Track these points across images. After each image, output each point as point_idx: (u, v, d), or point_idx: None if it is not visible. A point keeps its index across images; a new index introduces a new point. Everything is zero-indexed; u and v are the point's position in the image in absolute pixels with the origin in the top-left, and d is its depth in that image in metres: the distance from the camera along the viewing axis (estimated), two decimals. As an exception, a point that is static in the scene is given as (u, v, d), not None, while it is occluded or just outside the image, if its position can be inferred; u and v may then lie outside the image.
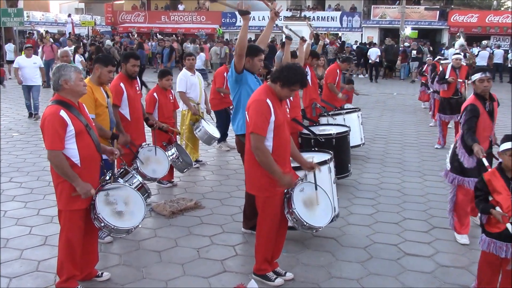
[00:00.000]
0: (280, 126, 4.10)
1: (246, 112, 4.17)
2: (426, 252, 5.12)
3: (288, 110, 4.46)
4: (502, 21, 31.60)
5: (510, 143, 3.73)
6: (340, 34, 34.22)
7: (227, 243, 5.25)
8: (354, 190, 7.12)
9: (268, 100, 4.04)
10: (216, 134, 8.07)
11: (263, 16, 34.96)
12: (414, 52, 23.99)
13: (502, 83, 23.72)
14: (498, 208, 3.69)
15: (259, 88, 4.30)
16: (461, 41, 18.84)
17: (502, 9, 38.43)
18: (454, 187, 5.50)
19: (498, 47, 26.25)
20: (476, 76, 5.28)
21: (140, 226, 4.34)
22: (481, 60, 22.57)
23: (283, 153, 4.19)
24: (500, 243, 3.77)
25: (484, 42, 27.46)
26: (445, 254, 5.08)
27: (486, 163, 4.53)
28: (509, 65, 24.66)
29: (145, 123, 6.37)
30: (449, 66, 9.85)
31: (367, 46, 26.23)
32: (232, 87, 5.44)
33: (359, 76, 24.91)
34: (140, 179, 5.19)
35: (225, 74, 8.86)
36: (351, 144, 8.05)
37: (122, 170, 5.17)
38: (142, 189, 5.14)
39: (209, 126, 7.97)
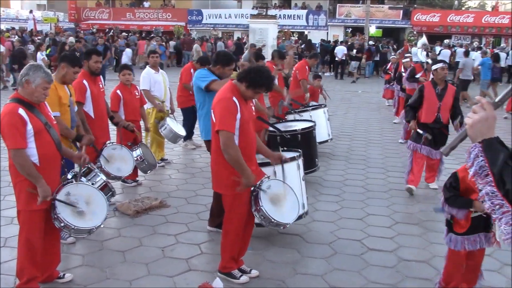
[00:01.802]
0: (245, 124, 4.10)
1: (212, 111, 4.16)
2: (389, 247, 5.21)
3: (253, 108, 4.47)
4: (463, 20, 32.45)
5: None
6: (306, 33, 34.48)
7: (192, 241, 5.22)
8: (319, 187, 7.18)
9: (234, 98, 4.04)
10: (182, 132, 8.01)
11: (229, 14, 35.00)
12: (354, 51, 24.12)
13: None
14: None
15: (224, 86, 4.29)
16: (423, 40, 19.26)
17: (463, 8, 39.39)
18: (411, 151, 6.95)
19: (461, 45, 26.87)
20: (439, 65, 6.84)
21: (102, 226, 4.28)
22: (444, 58, 23.06)
23: (249, 151, 4.21)
24: (473, 237, 3.82)
25: (446, 41, 28.15)
26: (407, 248, 5.18)
27: (420, 131, 6.72)
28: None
29: (110, 121, 6.29)
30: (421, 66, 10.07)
31: (331, 44, 26.54)
32: (198, 95, 5.47)
33: (325, 74, 25.12)
34: (104, 177, 5.11)
35: (191, 70, 8.82)
36: (319, 140, 8.15)
37: (85, 168, 5.08)
38: (106, 188, 5.07)
39: (175, 124, 7.91)
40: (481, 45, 26.83)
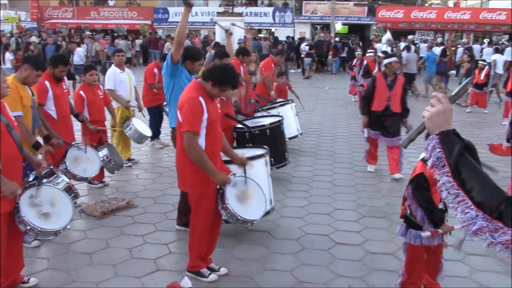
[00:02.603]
0: (212, 123, 4.10)
1: (179, 111, 4.13)
2: (356, 240, 5.28)
3: (219, 106, 4.46)
4: (426, 16, 33.11)
5: None
6: (273, 30, 34.59)
7: (160, 241, 5.19)
8: (288, 183, 7.23)
9: (200, 98, 4.03)
10: (147, 132, 7.93)
11: (195, 12, 34.73)
12: (307, 48, 24.18)
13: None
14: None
15: (189, 85, 4.27)
16: (387, 35, 19.55)
17: (426, 5, 40.18)
18: (367, 137, 7.77)
19: (425, 41, 27.36)
20: (392, 59, 7.61)
21: (68, 227, 4.21)
22: (431, 54, 23.39)
23: (215, 150, 4.21)
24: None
25: (410, 37, 28.65)
26: (373, 241, 5.27)
27: (365, 134, 7.78)
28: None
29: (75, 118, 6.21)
30: (376, 62, 10.20)
31: (296, 41, 26.72)
32: (167, 81, 5.39)
33: (291, 70, 25.21)
34: (67, 179, 5.02)
35: (155, 70, 8.75)
36: (289, 135, 8.21)
37: (47, 170, 4.98)
38: (69, 191, 4.98)
39: (140, 125, 7.82)
40: (444, 41, 27.36)
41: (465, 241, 5.19)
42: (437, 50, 19.48)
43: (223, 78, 4.04)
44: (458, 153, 1.63)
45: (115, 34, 29.23)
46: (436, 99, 1.81)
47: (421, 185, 3.69)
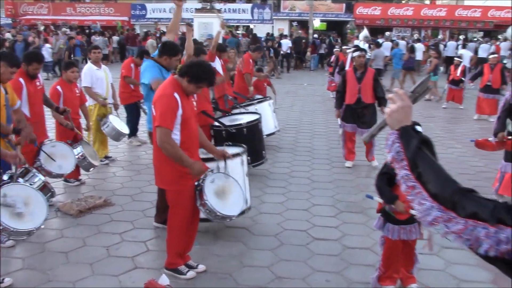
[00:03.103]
0: (187, 119, 4.08)
1: (153, 106, 4.11)
2: (334, 235, 5.32)
3: (195, 103, 4.45)
4: (403, 13, 33.46)
5: None
6: (251, 26, 34.57)
7: (138, 239, 5.16)
8: (266, 180, 7.24)
9: (175, 94, 4.00)
10: (125, 130, 7.87)
11: (174, 8, 34.47)
12: (284, 44, 24.23)
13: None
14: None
15: (165, 82, 4.25)
16: (365, 32, 19.68)
17: (403, 2, 40.52)
18: (343, 130, 7.99)
19: (402, 38, 27.67)
20: (356, 53, 7.88)
21: (43, 227, 4.16)
22: (385, 50, 23.60)
23: (191, 146, 4.19)
24: (409, 227, 3.96)
25: (387, 33, 28.90)
26: (351, 236, 5.31)
27: (339, 122, 8.05)
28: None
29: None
30: (349, 58, 10.27)
31: (275, 38, 26.74)
32: (143, 87, 5.37)
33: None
34: (42, 178, 4.95)
35: (131, 65, 8.68)
36: (266, 132, 8.21)
37: (22, 169, 4.91)
38: (45, 189, 4.91)
39: (117, 122, 7.75)
40: (420, 37, 27.67)
41: (439, 235, 5.30)
42: (419, 46, 20.02)
43: (200, 75, 4.03)
44: (416, 147, 1.69)
45: (91, 30, 28.84)
46: (396, 95, 1.86)
47: (383, 168, 3.95)
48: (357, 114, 7.79)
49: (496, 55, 12.93)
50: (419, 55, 21.71)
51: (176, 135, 4.03)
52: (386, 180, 3.88)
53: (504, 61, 18.08)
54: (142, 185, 6.87)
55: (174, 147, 3.97)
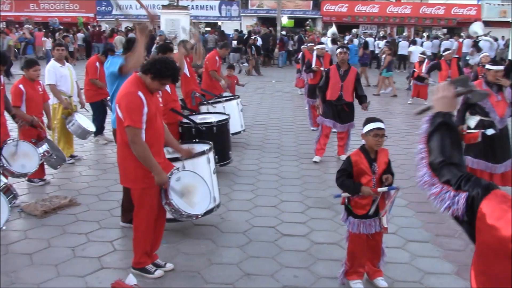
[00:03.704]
0: (152, 117, 4.04)
1: (117, 106, 4.05)
2: (302, 231, 5.36)
3: (161, 99, 4.40)
4: (369, 10, 33.90)
5: (372, 124, 3.98)
6: (219, 23, 34.44)
7: (104, 239, 5.09)
8: (234, 177, 7.24)
9: (139, 92, 3.95)
10: (91, 128, 7.74)
11: (137, 6, 34.04)
12: (234, 42, 24.09)
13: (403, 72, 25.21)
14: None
15: (128, 79, 4.18)
16: (333, 29, 19.85)
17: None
18: (320, 125, 8.10)
19: (370, 35, 27.99)
20: (338, 50, 8.09)
21: (4, 228, 4.06)
22: (353, 47, 23.87)
23: (156, 144, 4.15)
24: (369, 221, 4.03)
25: (354, 30, 29.22)
26: (318, 232, 5.36)
27: (320, 110, 8.11)
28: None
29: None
30: (314, 55, 10.33)
31: (245, 34, 26.69)
32: (110, 80, 5.29)
33: (244, 64, 25.17)
34: (4, 179, 4.83)
35: (96, 64, 8.55)
36: (232, 131, 8.18)
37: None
38: (8, 191, 4.80)
39: (83, 120, 7.62)
40: (386, 34, 28.06)
41: (405, 229, 5.45)
42: (380, 43, 20.33)
43: (163, 71, 3.98)
44: (437, 124, 2.01)
45: (51, 27, 28.24)
46: (442, 86, 2.17)
47: (343, 163, 4.07)
48: (337, 111, 7.92)
49: (450, 51, 13.24)
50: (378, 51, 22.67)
51: (142, 134, 3.98)
52: (346, 176, 4.00)
53: (467, 58, 18.57)
54: (108, 184, 6.77)
55: (144, 148, 3.93)
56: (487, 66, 6.35)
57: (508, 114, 6.13)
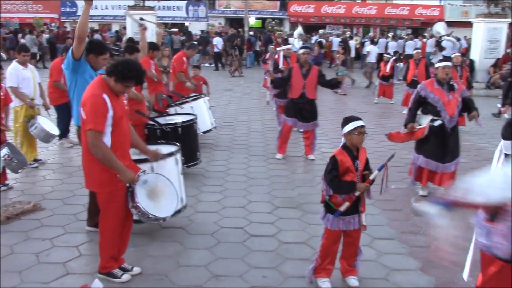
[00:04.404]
0: (118, 120, 3.99)
1: (82, 108, 3.98)
2: (270, 231, 5.38)
3: (126, 102, 4.35)
4: (336, 11, 34.26)
5: (355, 122, 4.01)
6: (186, 24, 34.26)
7: (70, 244, 4.99)
8: (203, 178, 7.21)
9: (104, 95, 3.89)
10: (54, 131, 7.58)
11: (106, 6, 33.64)
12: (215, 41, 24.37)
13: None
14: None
15: (93, 82, 4.12)
16: (299, 30, 19.95)
17: (335, 0, 41.43)
18: (282, 123, 8.34)
19: (337, 35, 28.26)
20: (302, 50, 8.21)
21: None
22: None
23: (122, 147, 4.10)
24: (348, 218, 4.06)
25: (321, 31, 29.47)
26: (287, 231, 5.39)
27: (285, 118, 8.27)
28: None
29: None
30: (281, 56, 10.39)
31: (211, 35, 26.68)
32: (69, 77, 5.18)
33: (205, 64, 25.11)
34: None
35: (62, 66, 8.37)
36: (203, 129, 8.17)
37: None
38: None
39: (46, 123, 7.45)
40: (352, 35, 28.42)
41: (371, 227, 5.51)
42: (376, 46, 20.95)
43: (126, 73, 3.93)
44: None
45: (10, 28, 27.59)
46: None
47: (330, 164, 4.01)
48: (299, 109, 8.07)
49: (419, 50, 13.53)
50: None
51: (107, 137, 3.93)
52: (336, 176, 3.98)
53: (430, 57, 18.99)
54: (74, 188, 6.65)
55: (105, 151, 3.86)
56: (436, 65, 6.49)
57: (457, 114, 6.27)
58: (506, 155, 4.18)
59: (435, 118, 6.26)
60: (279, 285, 4.31)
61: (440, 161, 6.29)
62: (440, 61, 6.54)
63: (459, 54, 12.31)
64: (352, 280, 4.27)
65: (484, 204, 2.63)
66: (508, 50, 19.08)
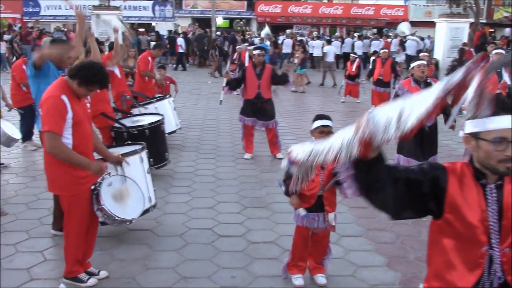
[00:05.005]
0: (79, 122, 3.91)
1: (40, 110, 3.91)
2: (239, 232, 5.38)
3: (89, 104, 4.28)
4: (302, 11, 34.52)
5: (318, 121, 4.05)
6: (153, 24, 33.94)
7: (34, 249, 4.89)
8: (170, 179, 7.16)
9: (63, 97, 3.81)
10: (16, 135, 7.39)
11: (70, 6, 32.94)
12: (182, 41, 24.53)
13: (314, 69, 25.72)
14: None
15: (54, 83, 4.03)
16: (266, 30, 20.03)
17: (302, 0, 41.78)
18: (242, 124, 8.33)
19: (301, 35, 28.45)
20: (257, 52, 8.23)
21: None
22: (286, 48, 24.16)
23: (85, 150, 4.02)
24: (313, 215, 4.09)
25: (288, 31, 29.59)
26: (255, 231, 5.40)
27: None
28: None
29: None
30: (246, 56, 10.43)
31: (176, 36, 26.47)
32: (32, 81, 5.08)
33: (170, 65, 24.87)
34: None
35: (23, 67, 8.21)
36: (167, 130, 8.09)
37: None
38: None
39: (8, 126, 7.27)
40: (319, 34, 28.66)
41: (338, 224, 5.52)
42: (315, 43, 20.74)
43: (90, 78, 3.87)
44: None
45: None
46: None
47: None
48: (257, 109, 8.16)
49: (386, 50, 13.76)
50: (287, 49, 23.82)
51: (68, 139, 3.85)
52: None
53: (393, 56, 19.33)
54: (38, 192, 6.51)
55: (64, 150, 3.79)
56: (412, 64, 6.62)
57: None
58: None
59: None
60: (247, 285, 4.32)
61: (421, 159, 6.40)
62: (415, 60, 6.66)
63: (426, 53, 12.59)
64: (320, 278, 4.31)
65: None
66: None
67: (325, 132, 3.99)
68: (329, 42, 22.52)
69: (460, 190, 2.18)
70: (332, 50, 19.85)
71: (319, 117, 4.10)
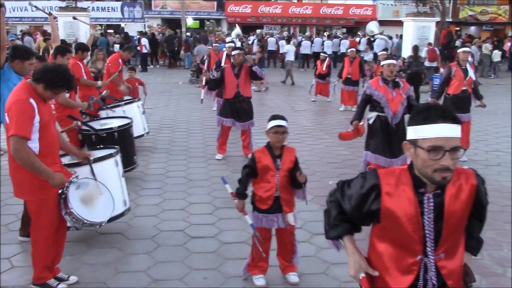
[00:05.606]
0: (46, 125, 3.84)
1: (6, 114, 3.81)
2: (210, 232, 5.36)
3: (54, 107, 4.21)
4: (273, 11, 34.64)
5: (273, 121, 4.06)
6: (122, 25, 33.57)
7: (1, 255, 4.76)
8: (141, 182, 7.10)
9: (31, 100, 3.74)
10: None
11: (35, 7, 32.32)
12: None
13: (275, 68, 25.91)
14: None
15: (18, 87, 3.94)
16: (237, 30, 20.01)
17: (272, 0, 41.92)
18: (220, 125, 8.26)
19: (272, 35, 28.52)
20: (236, 52, 8.14)
21: None
22: (256, 48, 24.20)
23: (51, 153, 3.95)
24: (271, 216, 4.12)
25: (258, 31, 29.68)
26: (227, 232, 5.39)
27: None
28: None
29: None
30: (224, 55, 10.41)
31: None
32: None
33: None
34: None
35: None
36: (134, 134, 7.99)
37: None
38: None
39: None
40: (290, 34, 28.83)
41: (310, 223, 5.63)
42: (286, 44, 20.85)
43: (55, 81, 3.80)
44: None
45: None
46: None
47: (248, 161, 4.18)
48: (236, 109, 8.15)
49: (353, 49, 13.93)
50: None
51: (35, 143, 3.78)
52: (248, 173, 4.12)
53: (361, 55, 19.58)
54: (5, 198, 6.34)
55: (29, 156, 3.70)
56: (382, 63, 6.71)
57: (401, 111, 6.45)
58: None
59: (380, 114, 6.46)
60: (220, 285, 4.31)
61: (388, 156, 6.48)
62: (385, 59, 6.74)
63: (384, 52, 12.81)
64: (292, 277, 4.33)
65: None
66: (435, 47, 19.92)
67: (279, 132, 4.00)
68: (288, 41, 23.34)
69: (394, 199, 2.17)
70: (292, 49, 20.69)
71: (274, 117, 4.12)
